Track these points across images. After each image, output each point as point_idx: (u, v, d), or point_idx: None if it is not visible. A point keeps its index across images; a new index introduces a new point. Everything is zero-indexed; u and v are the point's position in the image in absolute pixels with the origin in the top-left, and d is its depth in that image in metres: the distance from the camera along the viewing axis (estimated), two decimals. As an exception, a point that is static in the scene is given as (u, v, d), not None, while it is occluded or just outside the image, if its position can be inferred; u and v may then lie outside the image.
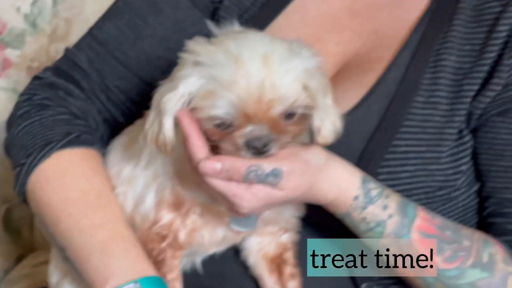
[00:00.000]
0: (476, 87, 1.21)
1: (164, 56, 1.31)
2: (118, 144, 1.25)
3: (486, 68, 1.22)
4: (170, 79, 1.07)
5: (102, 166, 1.24)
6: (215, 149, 1.06)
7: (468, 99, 1.21)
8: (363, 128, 1.23)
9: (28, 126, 1.26)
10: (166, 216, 1.15)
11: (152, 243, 1.15)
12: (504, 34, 1.22)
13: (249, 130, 1.01)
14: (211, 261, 1.26)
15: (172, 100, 1.04)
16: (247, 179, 1.03)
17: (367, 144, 1.22)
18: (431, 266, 1.15)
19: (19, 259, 2.02)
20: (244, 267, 1.25)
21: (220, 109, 1.01)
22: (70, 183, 1.20)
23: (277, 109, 1.02)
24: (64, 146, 1.22)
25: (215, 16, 1.34)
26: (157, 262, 1.15)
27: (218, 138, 1.04)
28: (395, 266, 1.18)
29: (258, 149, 1.02)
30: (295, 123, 1.05)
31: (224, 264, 1.27)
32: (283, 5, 1.33)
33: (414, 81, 1.23)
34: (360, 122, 1.23)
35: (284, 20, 1.32)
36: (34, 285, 1.63)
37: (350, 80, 1.27)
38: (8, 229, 2.06)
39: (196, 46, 1.06)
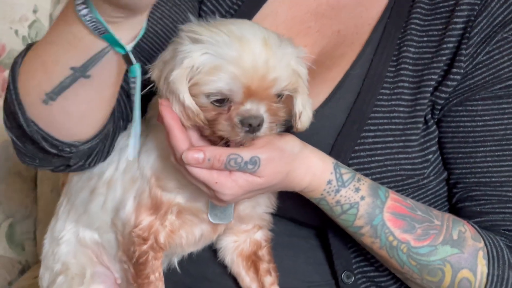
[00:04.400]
0: (436, 77, 1.23)
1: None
2: None
3: (445, 58, 1.23)
4: (170, 56, 1.08)
5: None
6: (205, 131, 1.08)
7: (429, 89, 1.23)
8: (332, 122, 1.24)
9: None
10: (146, 219, 1.17)
11: (134, 246, 1.17)
12: (460, 26, 1.24)
13: (246, 108, 1.05)
14: (191, 262, 1.28)
15: (180, 76, 1.05)
16: (227, 166, 1.06)
17: (337, 137, 1.23)
18: (402, 245, 1.17)
19: (22, 271, 2.07)
20: (224, 268, 1.27)
21: (223, 82, 1.03)
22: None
23: (275, 89, 1.05)
24: None
25: None
26: (140, 264, 1.17)
27: (213, 115, 1.06)
28: (370, 247, 1.20)
29: (253, 127, 1.05)
30: (282, 105, 1.08)
31: (205, 265, 1.29)
32: (254, 12, 1.36)
33: (378, 75, 1.25)
34: (329, 118, 1.25)
35: None
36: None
37: (316, 77, 1.27)
38: (11, 243, 2.10)
39: (194, 26, 1.07)
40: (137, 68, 1.04)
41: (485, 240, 1.20)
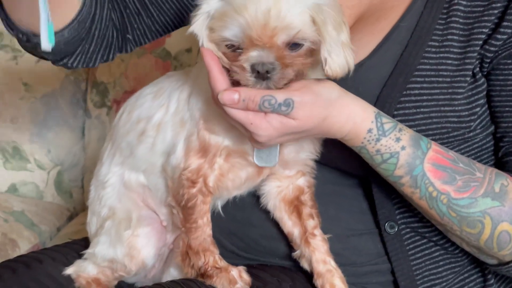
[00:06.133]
0: (486, 31, 1.22)
1: None
2: (147, 92, 1.30)
3: (496, 12, 1.22)
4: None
5: None
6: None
7: (479, 42, 1.22)
8: (379, 73, 1.25)
9: None
10: (195, 162, 1.20)
11: (183, 189, 1.20)
12: None
13: (254, 54, 1.07)
14: (237, 208, 1.31)
15: (200, 21, 1.11)
16: (261, 108, 1.08)
17: (382, 88, 1.24)
18: (442, 196, 1.18)
19: (70, 218, 2.13)
20: (268, 213, 1.30)
21: (230, 31, 1.07)
22: None
23: (281, 38, 1.06)
24: None
25: None
26: (189, 208, 1.21)
27: (230, 60, 1.10)
28: (410, 197, 1.21)
29: (261, 74, 1.07)
30: (301, 56, 1.09)
31: (250, 211, 1.32)
32: None
33: (427, 28, 1.25)
34: (376, 68, 1.25)
35: None
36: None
37: (365, 28, 1.29)
38: (60, 191, 2.16)
39: None
40: None
41: None
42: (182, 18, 1.45)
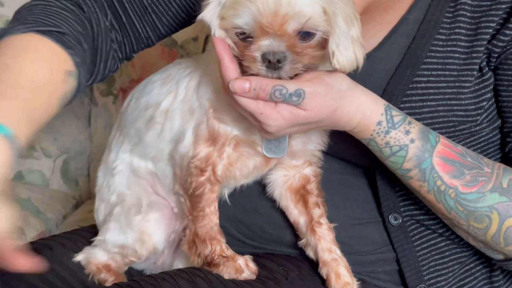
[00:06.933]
0: (493, 25, 1.23)
1: None
2: (155, 79, 1.31)
3: (504, 6, 1.23)
4: None
5: (63, 64, 1.23)
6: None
7: (486, 37, 1.23)
8: (385, 66, 1.26)
9: (33, 7, 1.26)
10: (203, 151, 1.21)
11: (191, 177, 1.21)
12: None
13: (265, 43, 1.08)
14: (244, 196, 1.32)
15: (211, 11, 1.12)
16: (272, 97, 1.09)
17: (389, 81, 1.25)
18: (450, 190, 1.19)
19: (76, 206, 2.14)
20: (274, 201, 1.32)
21: (241, 18, 1.08)
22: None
23: (292, 25, 1.07)
24: (45, 33, 1.21)
25: None
26: (196, 197, 1.22)
27: (241, 50, 1.11)
28: (418, 191, 1.22)
29: (272, 63, 1.08)
30: (312, 47, 1.10)
31: (257, 199, 1.34)
32: None
33: (435, 20, 1.26)
34: (383, 60, 1.26)
35: None
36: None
37: (372, 19, 1.29)
38: (66, 179, 2.17)
39: None
40: None
41: None
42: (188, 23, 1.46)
